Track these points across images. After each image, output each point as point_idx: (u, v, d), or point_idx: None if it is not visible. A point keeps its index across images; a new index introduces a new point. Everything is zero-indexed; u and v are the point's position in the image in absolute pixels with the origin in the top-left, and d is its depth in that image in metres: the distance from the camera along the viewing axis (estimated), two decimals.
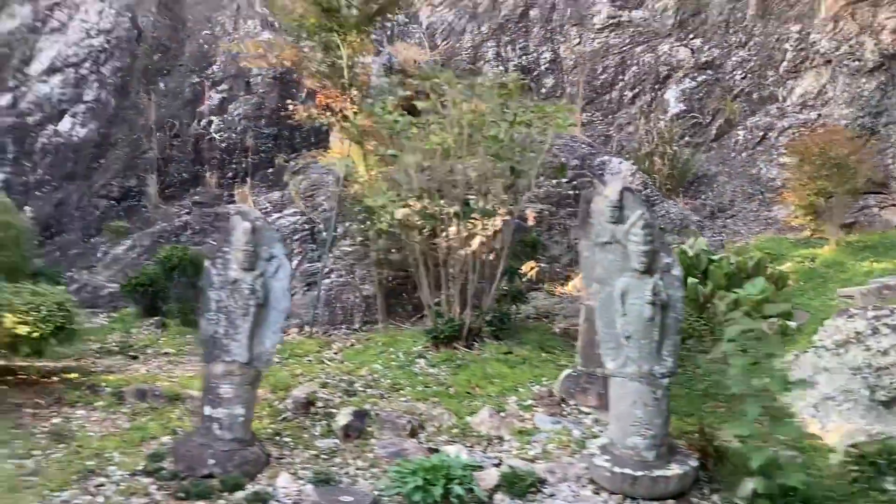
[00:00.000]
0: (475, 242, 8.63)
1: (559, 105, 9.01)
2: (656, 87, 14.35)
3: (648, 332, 5.86)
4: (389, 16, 11.49)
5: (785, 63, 14.24)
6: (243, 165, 13.00)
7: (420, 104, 8.51)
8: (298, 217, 11.39)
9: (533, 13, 15.62)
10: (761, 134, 13.85)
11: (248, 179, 12.72)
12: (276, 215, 11.76)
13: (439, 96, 8.61)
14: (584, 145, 12.58)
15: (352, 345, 9.13)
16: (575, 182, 11.52)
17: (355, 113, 9.81)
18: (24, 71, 13.65)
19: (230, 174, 12.96)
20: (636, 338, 5.87)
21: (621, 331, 5.92)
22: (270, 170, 13.00)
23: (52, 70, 13.57)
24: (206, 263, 6.20)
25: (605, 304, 6.07)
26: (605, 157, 12.33)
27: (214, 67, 13.84)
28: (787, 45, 14.29)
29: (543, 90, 14.84)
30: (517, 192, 8.75)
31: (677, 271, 6.05)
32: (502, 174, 8.51)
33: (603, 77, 14.70)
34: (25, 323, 7.04)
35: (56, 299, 7.35)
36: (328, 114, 10.24)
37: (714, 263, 9.25)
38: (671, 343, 5.93)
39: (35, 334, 7.09)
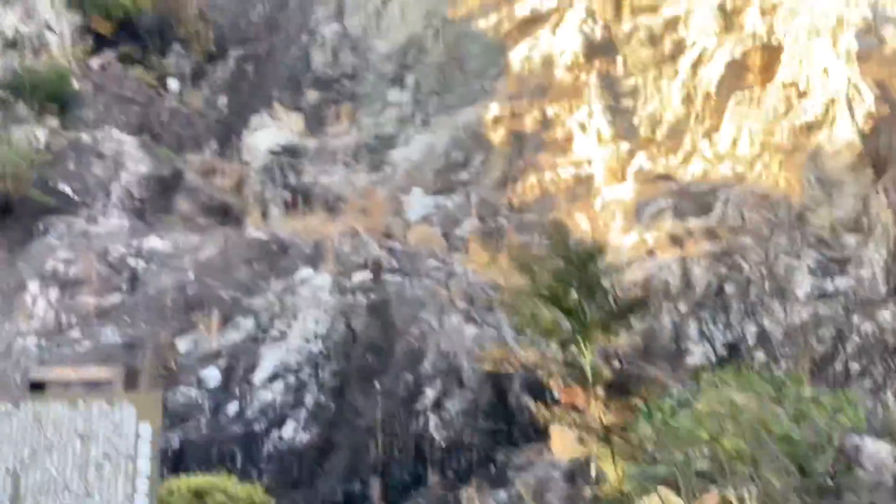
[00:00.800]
0: None
1: (846, 395, 8.50)
2: (886, 356, 13.59)
3: None
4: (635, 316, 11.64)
5: None
6: (464, 463, 12.77)
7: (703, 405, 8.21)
8: None
9: (728, 289, 15.55)
10: None
11: (472, 478, 12.41)
12: None
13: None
14: None
15: None
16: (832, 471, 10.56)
17: (604, 411, 9.59)
18: (249, 379, 14.39)
19: (452, 473, 12.72)
20: None
21: None
22: (492, 467, 12.69)
23: (274, 377, 14.25)
24: None
25: None
26: (857, 439, 11.37)
27: (426, 364, 14.17)
28: None
29: (755, 365, 14.30)
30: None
31: None
32: (791, 476, 7.87)
33: (821, 349, 14.11)
34: None
35: None
36: (571, 411, 10.06)
37: None
38: None
39: None
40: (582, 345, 9.99)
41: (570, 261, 9.97)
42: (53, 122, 20.70)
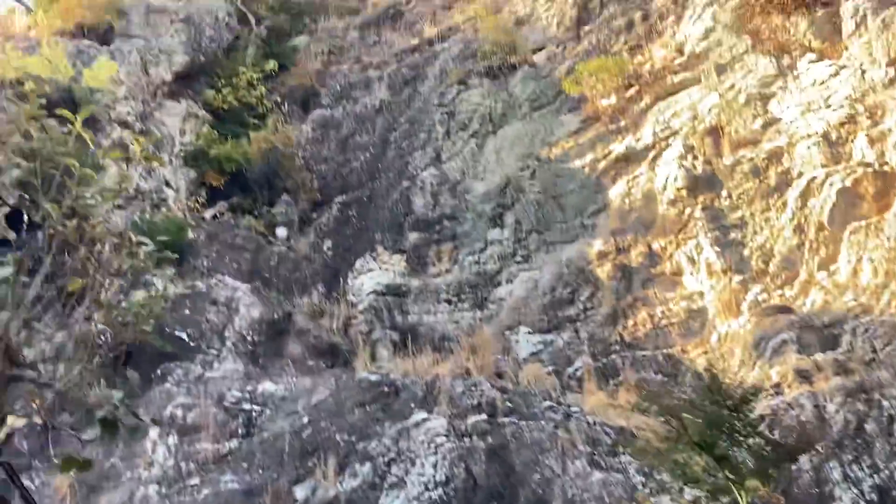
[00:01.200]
0: None
1: None
2: None
3: None
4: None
5: None
6: None
7: None
8: None
9: (869, 427, 14.56)
10: None
11: None
12: None
13: None
14: None
15: None
16: None
17: None
18: None
19: None
20: None
21: None
22: None
23: None
24: None
25: None
26: None
27: None
28: None
29: None
30: None
31: None
32: None
33: None
34: None
35: None
36: None
37: None
38: None
39: None
40: (737, 494, 9.38)
41: (723, 405, 9.55)
42: (170, 270, 21.61)
